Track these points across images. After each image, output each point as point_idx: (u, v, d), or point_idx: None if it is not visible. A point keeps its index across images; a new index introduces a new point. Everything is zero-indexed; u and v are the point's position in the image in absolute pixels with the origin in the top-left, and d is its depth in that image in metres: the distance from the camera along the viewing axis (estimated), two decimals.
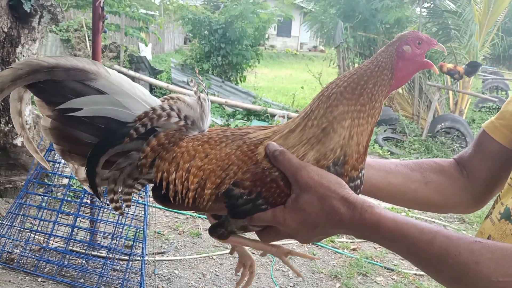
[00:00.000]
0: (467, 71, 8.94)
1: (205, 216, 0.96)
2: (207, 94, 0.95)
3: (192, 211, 5.05)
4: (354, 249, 4.78)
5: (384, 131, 9.66)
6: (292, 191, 0.85)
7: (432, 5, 10.83)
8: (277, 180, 0.86)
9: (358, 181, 0.90)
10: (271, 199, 0.86)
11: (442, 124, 9.45)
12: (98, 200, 4.13)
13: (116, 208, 0.94)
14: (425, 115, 10.20)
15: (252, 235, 0.97)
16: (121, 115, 0.88)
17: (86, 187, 0.95)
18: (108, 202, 0.93)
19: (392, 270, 4.41)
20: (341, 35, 10.88)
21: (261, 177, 0.86)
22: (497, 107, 11.45)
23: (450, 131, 9.34)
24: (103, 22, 4.09)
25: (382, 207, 0.84)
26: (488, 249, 0.76)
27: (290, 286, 3.98)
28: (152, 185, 0.95)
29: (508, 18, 11.55)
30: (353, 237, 5.04)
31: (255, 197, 0.86)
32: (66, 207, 4.55)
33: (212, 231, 0.94)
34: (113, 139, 0.88)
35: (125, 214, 3.85)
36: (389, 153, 8.60)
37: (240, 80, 12.73)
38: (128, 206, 0.97)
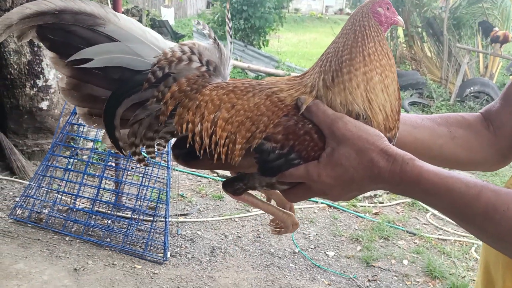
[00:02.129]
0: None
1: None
2: (215, 39, 0.88)
3: (216, 171, 4.99)
4: (376, 214, 4.76)
5: (411, 95, 9.43)
6: (327, 144, 0.80)
7: None
8: (311, 132, 0.81)
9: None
10: (304, 153, 0.81)
11: (471, 88, 9.18)
12: (122, 161, 4.12)
13: (139, 160, 0.91)
14: (453, 79, 9.89)
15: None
16: (134, 63, 0.84)
17: (113, 150, 0.92)
18: (130, 155, 0.91)
19: (415, 234, 4.39)
20: None
21: (294, 130, 0.81)
22: None
23: (479, 96, 9.08)
24: None
25: (422, 161, 0.79)
26: None
27: (311, 248, 4.01)
28: (173, 143, 0.91)
29: None
30: (375, 201, 5.02)
31: (288, 152, 0.81)
32: (91, 169, 4.66)
33: (227, 185, 0.90)
34: (127, 89, 0.84)
35: (149, 176, 3.92)
36: None
37: (263, 44, 12.55)
38: (153, 158, 0.94)
